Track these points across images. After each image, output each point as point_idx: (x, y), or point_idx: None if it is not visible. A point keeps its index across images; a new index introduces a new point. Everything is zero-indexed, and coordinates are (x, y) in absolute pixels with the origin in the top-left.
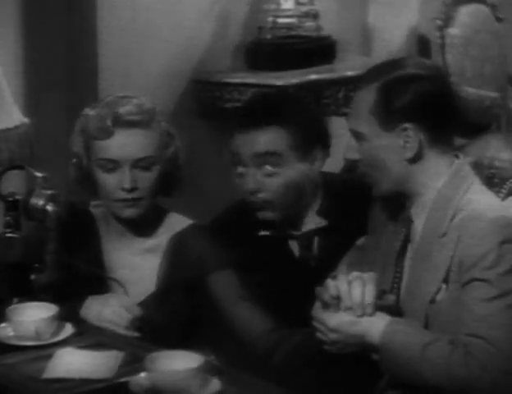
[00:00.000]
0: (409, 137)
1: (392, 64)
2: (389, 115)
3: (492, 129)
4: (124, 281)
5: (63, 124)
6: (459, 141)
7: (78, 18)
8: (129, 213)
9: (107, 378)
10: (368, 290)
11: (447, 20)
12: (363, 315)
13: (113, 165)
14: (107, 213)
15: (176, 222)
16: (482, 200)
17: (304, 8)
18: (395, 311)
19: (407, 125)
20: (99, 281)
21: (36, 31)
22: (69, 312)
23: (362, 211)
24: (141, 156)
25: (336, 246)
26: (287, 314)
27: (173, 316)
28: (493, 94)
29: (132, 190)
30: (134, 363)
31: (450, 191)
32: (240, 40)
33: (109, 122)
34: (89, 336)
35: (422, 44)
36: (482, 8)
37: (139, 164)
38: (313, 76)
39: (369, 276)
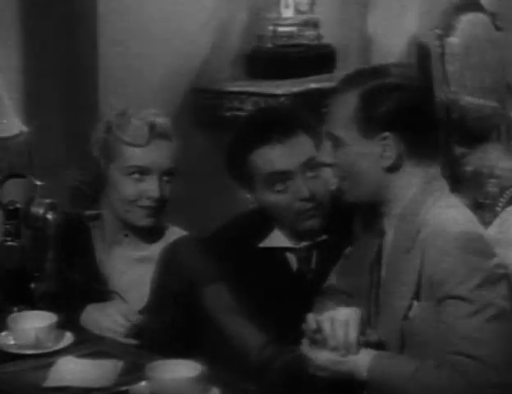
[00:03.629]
0: (388, 146)
1: (375, 71)
2: (369, 122)
3: (492, 138)
4: (120, 289)
5: (62, 133)
6: (459, 150)
7: (78, 29)
8: (147, 221)
9: (107, 387)
10: (351, 330)
11: (447, 30)
12: (347, 355)
13: (143, 172)
14: (107, 222)
15: (174, 235)
16: (448, 214)
17: (305, 17)
18: (379, 346)
19: (387, 134)
20: (97, 291)
21: (36, 41)
22: (69, 320)
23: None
24: (170, 166)
25: (335, 260)
26: (283, 328)
27: (166, 325)
28: (493, 103)
29: (158, 199)
30: (133, 371)
31: (416, 205)
32: (240, 49)
33: (146, 130)
34: (89, 345)
35: (422, 53)
36: (482, 17)
37: (167, 174)
38: (313, 85)
39: (352, 313)
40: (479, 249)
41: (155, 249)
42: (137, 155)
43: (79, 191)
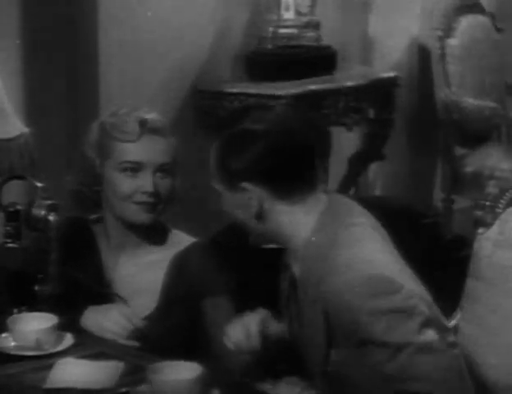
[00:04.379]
0: (250, 195)
1: (233, 117)
2: (227, 174)
3: (493, 139)
4: (125, 294)
5: (63, 134)
6: (459, 151)
7: (79, 34)
8: (144, 217)
9: (108, 388)
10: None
11: (448, 31)
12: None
13: (136, 168)
14: (109, 225)
15: (179, 239)
16: (348, 256)
17: (305, 18)
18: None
19: (245, 184)
20: (101, 294)
21: (37, 44)
22: (69, 322)
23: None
24: (164, 161)
25: None
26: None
27: (173, 331)
28: (493, 104)
29: (153, 194)
30: (135, 373)
31: (315, 249)
32: (241, 50)
33: (136, 126)
34: (90, 347)
35: (423, 54)
36: (482, 19)
37: (161, 169)
38: (314, 86)
39: (254, 317)
40: (381, 290)
41: (161, 254)
42: (129, 150)
43: (81, 195)
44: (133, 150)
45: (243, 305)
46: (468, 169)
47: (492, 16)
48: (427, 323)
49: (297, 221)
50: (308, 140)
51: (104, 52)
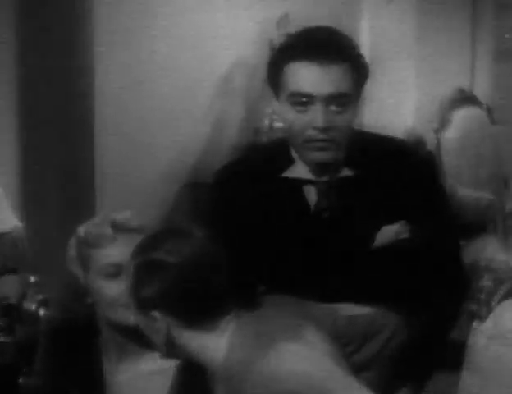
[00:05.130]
0: (159, 324)
1: (147, 244)
2: (138, 301)
3: (488, 230)
4: None
5: (57, 228)
6: None
7: (77, 124)
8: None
9: None
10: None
11: (443, 124)
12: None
13: (119, 272)
14: (104, 332)
15: None
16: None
17: None
18: None
19: (153, 313)
20: None
21: (33, 137)
22: None
23: (390, 168)
24: None
25: (358, 200)
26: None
27: None
28: (489, 196)
29: None
30: None
31: (233, 369)
32: (237, 142)
33: (111, 230)
34: None
35: (419, 147)
36: (478, 111)
37: None
38: None
39: None
40: None
41: (164, 362)
42: (108, 254)
43: (75, 312)
44: (111, 253)
45: None
46: (465, 261)
47: (488, 109)
48: None
49: (208, 346)
50: (219, 273)
51: (102, 144)
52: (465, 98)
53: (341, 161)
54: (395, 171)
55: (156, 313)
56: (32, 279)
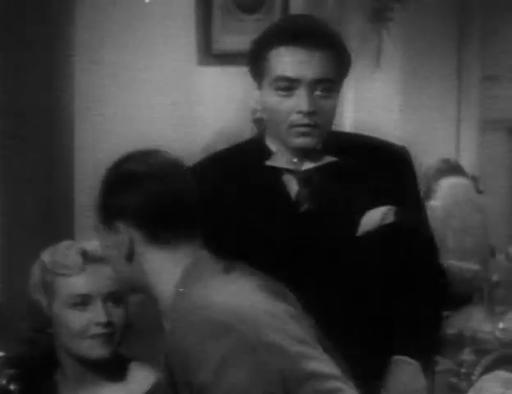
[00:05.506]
0: (123, 236)
1: (119, 160)
2: (104, 212)
3: (474, 301)
4: None
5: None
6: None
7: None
8: (102, 351)
9: None
10: None
11: (428, 193)
12: None
13: (86, 300)
14: (65, 365)
15: (140, 373)
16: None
17: None
18: None
19: (118, 224)
20: None
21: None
22: None
23: (368, 154)
24: (112, 290)
25: (338, 188)
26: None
27: None
28: (475, 267)
29: (107, 324)
30: None
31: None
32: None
33: (79, 258)
34: None
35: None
36: (463, 181)
37: (111, 299)
38: None
39: None
40: (212, 332)
41: (122, 393)
42: (75, 284)
43: (35, 342)
44: (78, 283)
45: None
46: (450, 331)
47: (474, 178)
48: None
49: (164, 270)
50: (190, 190)
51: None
52: (450, 168)
53: (323, 148)
54: (373, 157)
55: (120, 225)
56: (1, 354)
